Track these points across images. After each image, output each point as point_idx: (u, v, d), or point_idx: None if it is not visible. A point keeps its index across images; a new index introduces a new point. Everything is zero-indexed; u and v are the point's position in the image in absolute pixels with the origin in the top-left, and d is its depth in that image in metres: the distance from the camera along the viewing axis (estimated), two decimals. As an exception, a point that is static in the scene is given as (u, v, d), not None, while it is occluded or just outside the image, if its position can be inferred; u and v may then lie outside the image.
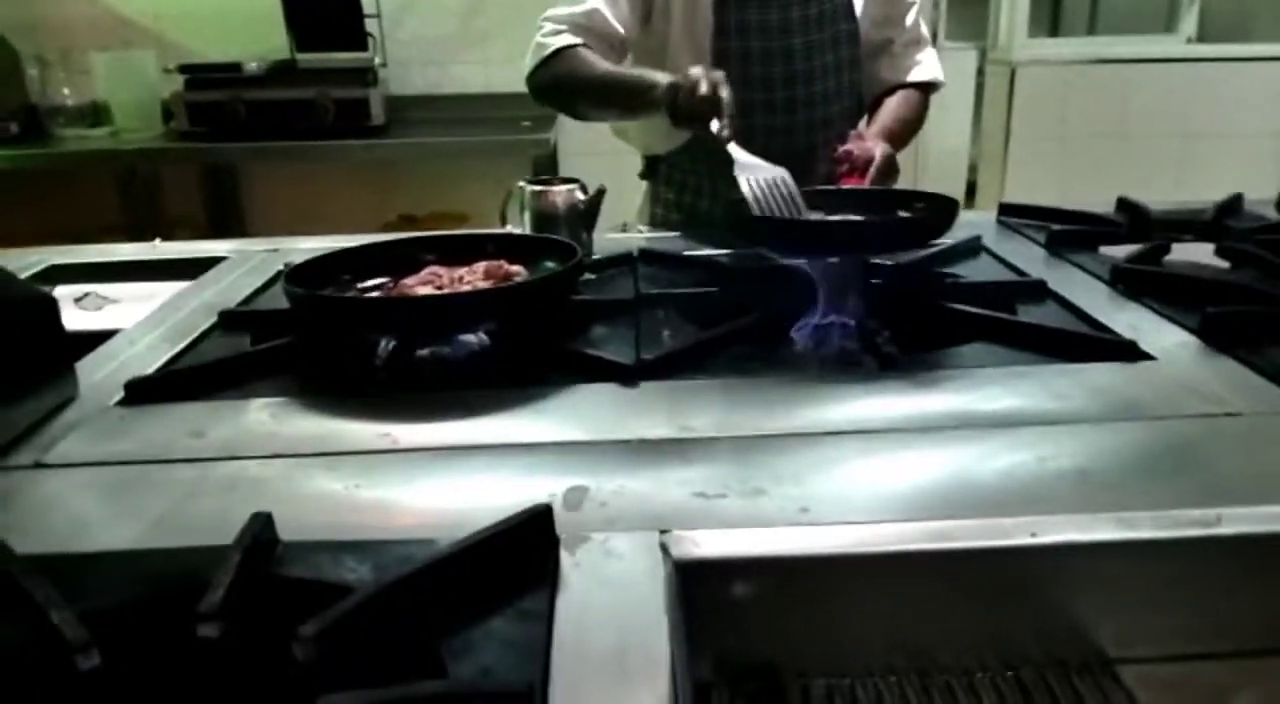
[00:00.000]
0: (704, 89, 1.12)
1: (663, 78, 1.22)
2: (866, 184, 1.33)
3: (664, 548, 0.50)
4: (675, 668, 0.49)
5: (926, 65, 1.52)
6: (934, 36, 3.43)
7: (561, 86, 1.39)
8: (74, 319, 1.17)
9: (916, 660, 0.53)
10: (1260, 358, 0.84)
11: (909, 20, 1.51)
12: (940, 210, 1.08)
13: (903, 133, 1.46)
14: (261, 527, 0.60)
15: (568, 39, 1.37)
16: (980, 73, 3.44)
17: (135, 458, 0.75)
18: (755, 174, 1.08)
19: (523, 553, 0.58)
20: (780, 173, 1.09)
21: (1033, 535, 0.51)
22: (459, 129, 2.74)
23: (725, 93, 1.12)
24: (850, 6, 1.42)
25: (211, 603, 0.52)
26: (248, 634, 0.53)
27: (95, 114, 2.76)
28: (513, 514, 0.59)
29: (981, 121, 3.32)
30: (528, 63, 1.42)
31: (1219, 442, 0.72)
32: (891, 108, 1.48)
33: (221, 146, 2.60)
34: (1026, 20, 3.09)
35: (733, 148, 1.10)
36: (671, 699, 0.47)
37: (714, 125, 1.12)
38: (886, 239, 1.07)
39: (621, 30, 1.38)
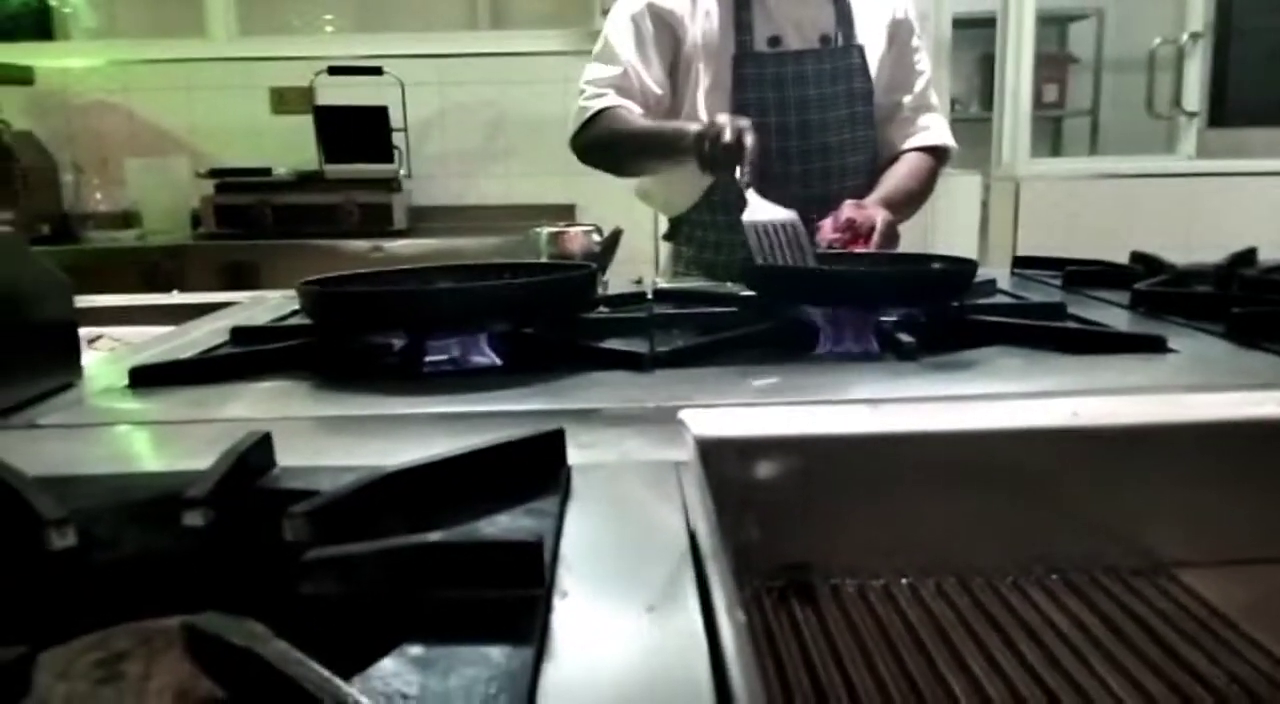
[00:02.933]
0: (728, 137, 1.17)
1: (694, 127, 1.28)
2: (871, 250, 1.34)
3: (684, 425, 0.47)
4: (704, 553, 0.45)
5: (934, 130, 1.56)
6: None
7: (603, 145, 1.47)
8: (85, 359, 1.17)
9: (954, 563, 0.49)
10: (1293, 349, 0.82)
11: (918, 87, 1.56)
12: (961, 266, 1.05)
13: (904, 201, 1.49)
14: (258, 442, 0.57)
15: (608, 101, 1.45)
16: (985, 206, 3.51)
17: (132, 420, 0.73)
18: (764, 220, 1.09)
19: (532, 467, 0.55)
20: (789, 218, 1.10)
21: (1074, 415, 0.48)
22: (478, 233, 2.80)
23: (749, 140, 1.16)
24: (865, 67, 1.48)
25: (201, 489, 0.49)
26: (235, 529, 0.50)
27: (126, 220, 2.85)
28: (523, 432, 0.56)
29: (988, 238, 3.37)
30: (570, 127, 1.50)
31: (1260, 404, 0.69)
32: (894, 176, 1.52)
33: (243, 244, 2.66)
34: (1029, 141, 3.18)
35: (749, 194, 1.12)
36: (698, 584, 0.43)
37: (737, 172, 1.15)
38: (903, 293, 1.00)
39: (657, 89, 1.46)
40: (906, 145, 1.54)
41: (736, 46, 1.44)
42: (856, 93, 1.47)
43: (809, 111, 1.44)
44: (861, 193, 1.44)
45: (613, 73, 1.45)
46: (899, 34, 1.54)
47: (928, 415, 0.49)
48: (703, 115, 1.45)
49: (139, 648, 0.46)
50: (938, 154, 1.57)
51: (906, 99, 1.55)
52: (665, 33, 1.46)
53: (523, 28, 3.23)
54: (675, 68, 1.48)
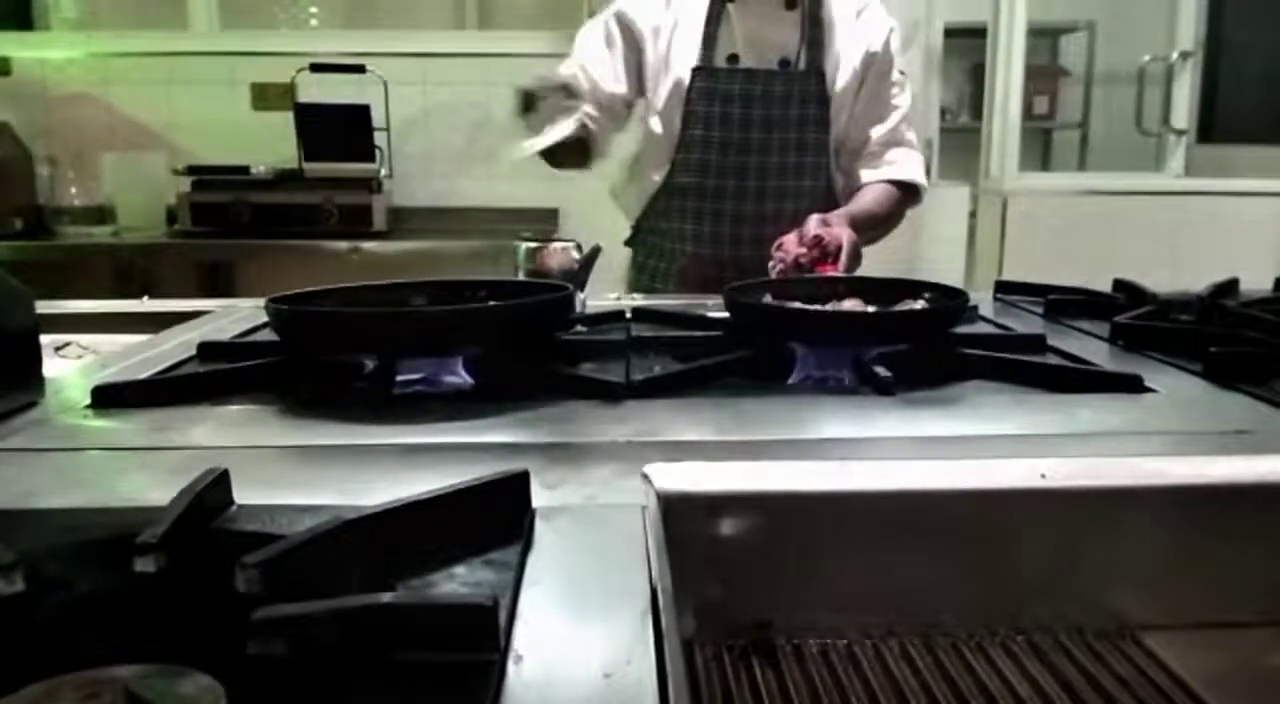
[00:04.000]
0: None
1: None
2: (840, 271, 1.33)
3: (647, 479, 0.46)
4: (660, 609, 0.44)
5: (902, 165, 1.55)
6: (927, 173, 3.52)
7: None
8: (53, 368, 1.15)
9: (918, 623, 0.48)
10: (1269, 391, 0.82)
11: (891, 122, 1.56)
12: (953, 301, 1.03)
13: (869, 224, 1.48)
14: (215, 480, 0.56)
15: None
16: (973, 215, 3.51)
17: (93, 445, 0.71)
18: None
19: (494, 513, 0.54)
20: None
21: (1042, 477, 0.47)
22: (458, 237, 2.79)
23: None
24: (824, 94, 1.49)
25: (153, 534, 0.48)
26: (188, 574, 0.48)
27: (100, 215, 2.81)
28: (487, 475, 0.55)
29: (975, 250, 3.37)
30: None
31: (1235, 451, 0.68)
32: (859, 200, 1.53)
33: (219, 243, 2.63)
34: (1017, 155, 3.19)
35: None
36: (655, 646, 0.42)
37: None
38: (896, 335, 0.95)
39: (607, 88, 1.52)
40: (870, 178, 1.54)
41: (698, 60, 1.48)
42: (810, 118, 1.49)
43: (752, 130, 1.46)
44: (800, 217, 1.43)
45: (564, 73, 1.46)
46: (874, 67, 1.53)
47: (895, 473, 0.48)
48: (656, 126, 1.52)
49: (87, 700, 0.44)
50: (905, 190, 1.56)
51: (876, 133, 1.55)
52: (630, 38, 1.52)
53: (510, 28, 3.21)
54: (642, 74, 1.54)
